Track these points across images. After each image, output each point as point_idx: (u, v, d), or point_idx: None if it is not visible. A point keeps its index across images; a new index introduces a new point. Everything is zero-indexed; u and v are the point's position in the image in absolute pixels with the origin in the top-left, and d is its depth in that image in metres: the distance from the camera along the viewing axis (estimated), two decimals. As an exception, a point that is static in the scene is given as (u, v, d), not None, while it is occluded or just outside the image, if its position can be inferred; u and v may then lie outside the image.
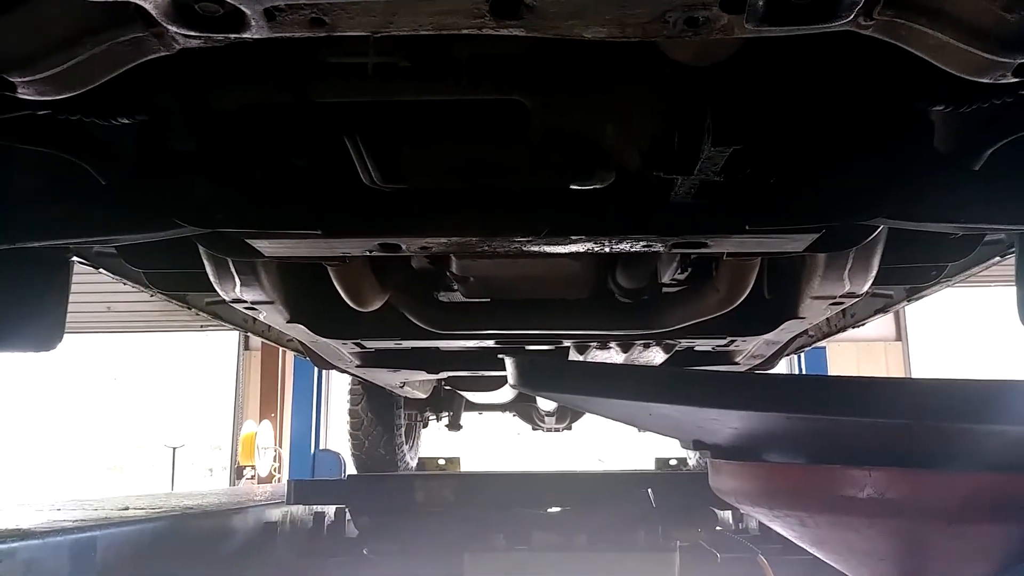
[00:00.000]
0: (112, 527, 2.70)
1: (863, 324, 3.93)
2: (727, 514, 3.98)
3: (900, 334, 15.19)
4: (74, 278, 2.49)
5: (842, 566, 1.74)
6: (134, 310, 13.07)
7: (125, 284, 2.95)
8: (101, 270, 2.75)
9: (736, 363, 3.42)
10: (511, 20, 1.10)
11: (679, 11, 1.08)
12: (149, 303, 10.96)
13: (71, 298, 2.44)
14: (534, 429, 7.16)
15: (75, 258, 2.49)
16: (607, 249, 1.96)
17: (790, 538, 1.81)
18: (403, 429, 5.98)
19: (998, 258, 2.74)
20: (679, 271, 2.54)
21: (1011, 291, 2.27)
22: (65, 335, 2.45)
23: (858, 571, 1.69)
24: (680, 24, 1.11)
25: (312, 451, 12.01)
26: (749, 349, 3.21)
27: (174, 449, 15.03)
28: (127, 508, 3.44)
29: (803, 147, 1.74)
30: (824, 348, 10.40)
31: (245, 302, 2.43)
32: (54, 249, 2.29)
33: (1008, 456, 1.45)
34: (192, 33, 1.10)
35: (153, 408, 19.54)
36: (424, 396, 5.32)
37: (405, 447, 6.06)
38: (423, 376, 3.88)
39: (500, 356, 2.95)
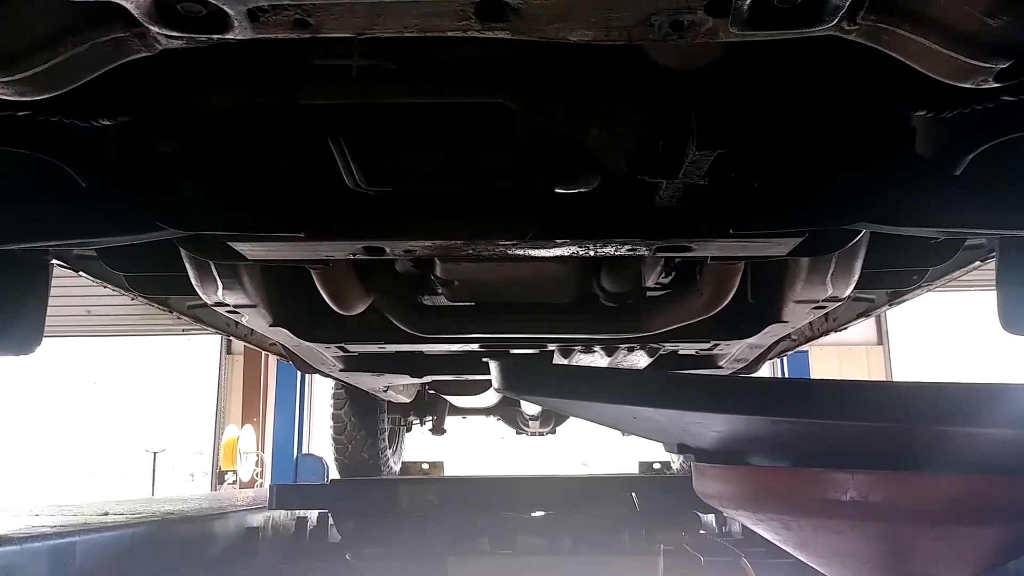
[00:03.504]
0: (91, 533, 2.68)
1: (845, 328, 3.96)
2: (711, 517, 4.00)
3: (882, 338, 15.29)
4: (53, 281, 2.46)
5: (826, 569, 1.74)
6: (115, 314, 12.98)
7: (106, 287, 2.92)
8: (81, 273, 2.72)
9: (720, 367, 3.43)
10: (496, 23, 1.10)
11: (664, 15, 1.09)
12: (130, 307, 10.87)
13: (50, 301, 2.41)
14: (518, 433, 7.16)
15: (55, 261, 2.46)
16: (592, 253, 1.96)
17: (774, 541, 1.81)
18: (386, 433, 5.96)
19: (979, 262, 2.77)
20: (663, 275, 2.55)
21: (992, 295, 2.30)
22: (44, 339, 2.42)
23: (842, 574, 1.70)
24: (665, 28, 1.11)
25: (295, 455, 11.98)
26: (732, 353, 3.22)
27: (155, 454, 14.92)
28: (107, 514, 3.41)
29: (787, 151, 1.74)
30: (806, 352, 10.46)
31: (227, 305, 2.41)
32: (33, 251, 2.26)
33: (991, 458, 1.46)
34: (174, 34, 1.09)
35: (134, 413, 19.38)
36: (408, 400, 5.31)
37: (388, 451, 6.04)
38: (407, 380, 3.86)
39: (484, 360, 2.94)
